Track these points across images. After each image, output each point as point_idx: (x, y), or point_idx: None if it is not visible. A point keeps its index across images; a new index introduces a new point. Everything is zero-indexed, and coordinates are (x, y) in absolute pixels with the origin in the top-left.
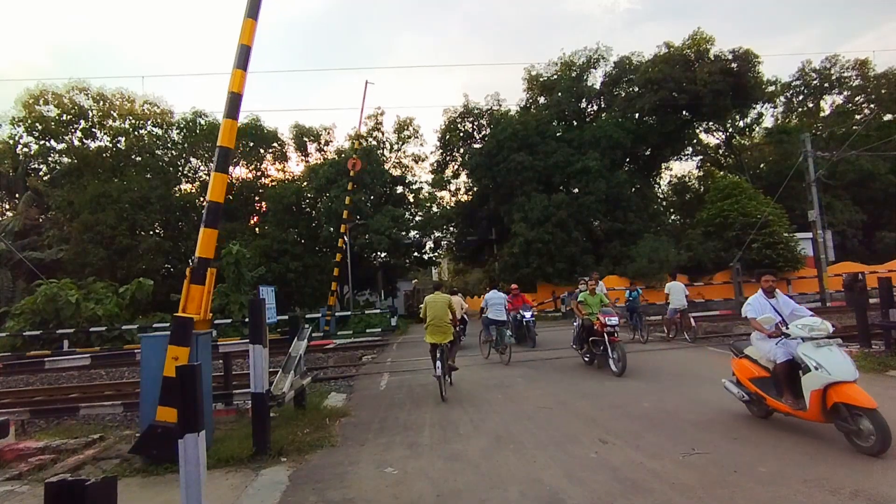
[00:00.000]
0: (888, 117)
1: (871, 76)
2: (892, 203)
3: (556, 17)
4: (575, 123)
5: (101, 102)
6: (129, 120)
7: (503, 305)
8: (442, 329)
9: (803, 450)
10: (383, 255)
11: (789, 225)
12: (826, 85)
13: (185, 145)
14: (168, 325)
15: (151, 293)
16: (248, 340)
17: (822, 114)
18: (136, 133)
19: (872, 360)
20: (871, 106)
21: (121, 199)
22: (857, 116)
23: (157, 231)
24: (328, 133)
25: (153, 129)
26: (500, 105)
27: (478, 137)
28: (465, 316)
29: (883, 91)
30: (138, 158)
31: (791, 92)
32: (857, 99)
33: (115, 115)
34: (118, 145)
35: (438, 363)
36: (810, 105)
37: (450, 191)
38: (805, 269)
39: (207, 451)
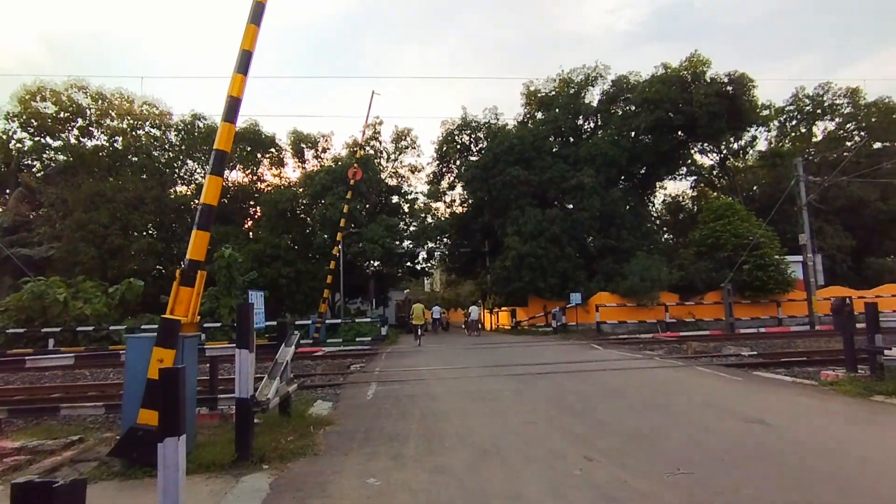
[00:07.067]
0: (878, 145)
1: (861, 104)
2: (882, 229)
3: (555, 35)
4: (571, 139)
5: (100, 101)
6: (127, 120)
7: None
8: (420, 318)
9: (788, 474)
10: (376, 264)
11: (780, 248)
12: (819, 111)
13: (183, 147)
14: (156, 326)
15: (141, 294)
16: (235, 345)
17: (814, 139)
18: (133, 133)
19: (858, 384)
20: (862, 133)
21: (115, 199)
22: (848, 143)
23: (151, 232)
24: (326, 140)
25: (151, 129)
26: (498, 119)
27: (474, 150)
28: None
29: (873, 119)
30: (135, 159)
31: (785, 116)
32: (848, 126)
33: (113, 114)
34: (115, 145)
35: (419, 331)
36: (803, 130)
37: (445, 202)
38: (795, 291)
39: (188, 455)
